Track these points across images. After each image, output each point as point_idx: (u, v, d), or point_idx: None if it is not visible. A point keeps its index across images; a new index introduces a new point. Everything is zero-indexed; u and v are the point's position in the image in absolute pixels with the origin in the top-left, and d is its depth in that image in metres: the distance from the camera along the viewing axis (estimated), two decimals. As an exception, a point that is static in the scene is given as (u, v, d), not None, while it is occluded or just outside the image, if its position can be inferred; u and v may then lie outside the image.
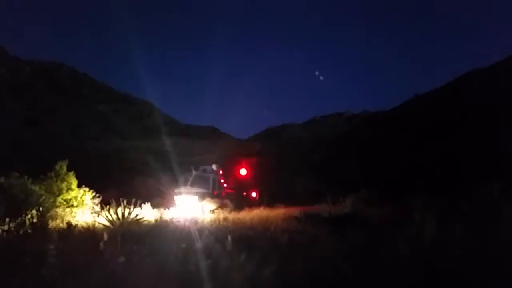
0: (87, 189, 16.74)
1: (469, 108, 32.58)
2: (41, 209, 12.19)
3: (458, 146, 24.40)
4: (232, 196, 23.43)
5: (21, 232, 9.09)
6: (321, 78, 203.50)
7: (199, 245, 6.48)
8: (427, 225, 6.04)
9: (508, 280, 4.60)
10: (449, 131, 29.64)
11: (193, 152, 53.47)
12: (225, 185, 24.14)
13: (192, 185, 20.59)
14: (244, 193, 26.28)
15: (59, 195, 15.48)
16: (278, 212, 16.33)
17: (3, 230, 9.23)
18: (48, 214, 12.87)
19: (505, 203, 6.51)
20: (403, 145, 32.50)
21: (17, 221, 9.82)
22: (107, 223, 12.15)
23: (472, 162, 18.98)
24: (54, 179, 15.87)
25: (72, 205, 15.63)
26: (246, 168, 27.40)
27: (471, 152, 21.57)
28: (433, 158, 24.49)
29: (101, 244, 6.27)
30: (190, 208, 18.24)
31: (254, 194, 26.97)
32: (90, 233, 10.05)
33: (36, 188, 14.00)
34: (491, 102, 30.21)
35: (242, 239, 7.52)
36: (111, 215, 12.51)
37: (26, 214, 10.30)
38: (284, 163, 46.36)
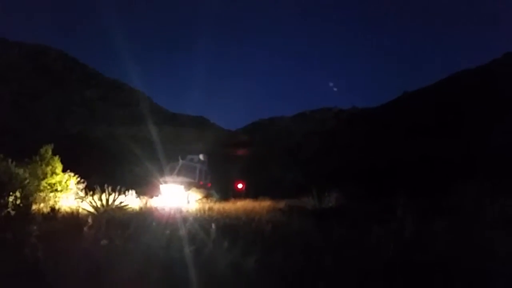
0: (72, 174, 16.57)
1: (455, 108, 33.12)
2: (24, 192, 12.04)
3: (442, 145, 24.81)
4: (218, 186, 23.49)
5: (2, 214, 9.01)
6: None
7: (183, 232, 6.52)
8: (408, 220, 6.18)
9: (485, 271, 4.77)
10: (435, 130, 30.10)
11: (181, 141, 53.27)
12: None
13: (178, 174, 20.45)
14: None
15: (43, 179, 15.29)
16: (263, 204, 16.43)
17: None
18: (32, 198, 12.71)
19: (483, 201, 6.70)
20: (390, 142, 32.89)
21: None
22: (91, 209, 12.12)
23: (454, 161, 19.36)
24: (39, 163, 15.64)
25: (57, 190, 15.46)
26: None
27: (454, 152, 21.98)
28: (418, 156, 24.86)
29: (85, 228, 6.26)
30: (175, 197, 18.20)
31: (240, 186, 27.00)
32: (74, 218, 10.02)
33: (20, 171, 13.80)
34: (476, 104, 30.75)
35: (226, 228, 7.60)
36: (95, 201, 12.49)
37: (10, 195, 10.19)
38: (271, 156, 46.52)
